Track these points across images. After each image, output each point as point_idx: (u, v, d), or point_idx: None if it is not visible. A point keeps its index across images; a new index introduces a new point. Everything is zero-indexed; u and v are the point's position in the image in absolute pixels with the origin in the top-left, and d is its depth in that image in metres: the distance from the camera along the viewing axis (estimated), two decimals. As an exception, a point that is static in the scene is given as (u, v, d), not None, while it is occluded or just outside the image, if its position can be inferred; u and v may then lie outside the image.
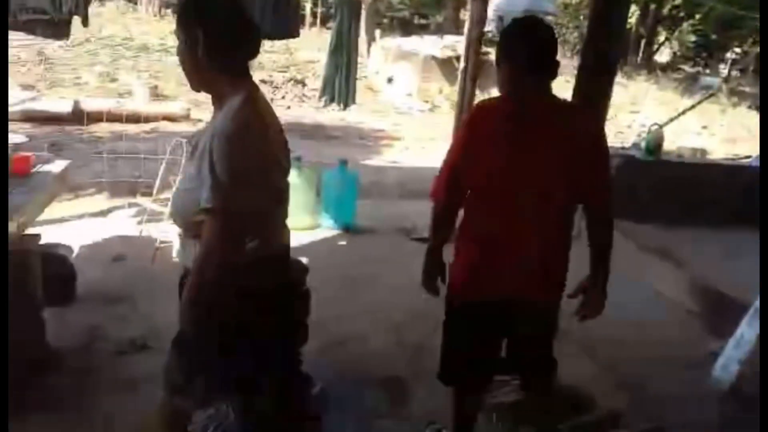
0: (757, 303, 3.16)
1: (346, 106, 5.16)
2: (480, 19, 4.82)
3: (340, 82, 4.95)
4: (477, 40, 4.86)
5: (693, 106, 11.07)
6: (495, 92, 2.09)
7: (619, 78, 8.97)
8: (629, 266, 4.78)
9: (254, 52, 1.77)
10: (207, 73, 1.71)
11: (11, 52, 10.95)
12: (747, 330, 3.16)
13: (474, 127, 2.09)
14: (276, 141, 1.79)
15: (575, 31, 22.02)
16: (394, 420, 2.77)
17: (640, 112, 13.28)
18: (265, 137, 1.70)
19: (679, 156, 6.19)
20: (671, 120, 7.47)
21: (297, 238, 4.72)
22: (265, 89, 11.04)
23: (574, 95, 3.27)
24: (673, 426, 2.65)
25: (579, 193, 1.98)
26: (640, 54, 25.26)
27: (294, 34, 4.49)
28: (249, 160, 1.62)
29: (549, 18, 15.72)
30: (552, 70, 1.93)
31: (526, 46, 1.92)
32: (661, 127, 5.91)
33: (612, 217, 2.06)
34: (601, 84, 3.19)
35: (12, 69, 10.37)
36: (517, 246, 2.00)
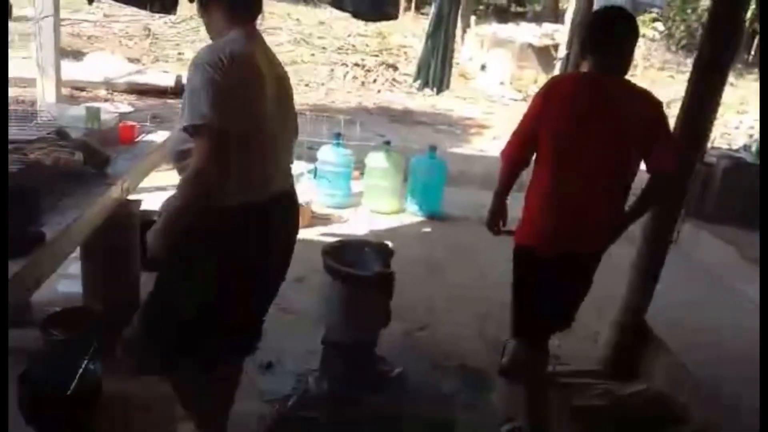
0: None
1: (439, 90, 5.08)
2: (587, 5, 4.61)
3: (436, 66, 4.87)
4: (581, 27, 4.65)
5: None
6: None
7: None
8: (730, 274, 4.49)
9: (253, 7, 1.93)
10: (214, 23, 1.90)
11: (120, 27, 11.57)
12: None
13: (549, 99, 2.28)
14: (259, 77, 1.81)
15: (681, 24, 20.77)
16: (472, 411, 2.71)
17: (748, 112, 12.38)
18: (240, 68, 1.74)
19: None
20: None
21: (382, 222, 4.85)
22: (357, 72, 11.20)
23: (686, 92, 3.06)
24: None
25: (636, 162, 2.22)
26: (752, 52, 23.51)
27: (393, 15, 4.45)
28: (216, 83, 1.67)
29: (654, 11, 14.89)
30: (626, 60, 2.22)
31: (606, 36, 2.20)
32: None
33: (669, 192, 2.45)
34: (713, 82, 2.97)
35: (120, 43, 10.95)
36: (580, 204, 2.21)
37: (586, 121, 2.15)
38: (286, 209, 2.01)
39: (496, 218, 2.58)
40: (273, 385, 2.72)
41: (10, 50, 2.55)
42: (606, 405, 2.67)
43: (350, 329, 2.65)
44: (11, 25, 2.43)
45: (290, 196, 2.04)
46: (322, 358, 2.74)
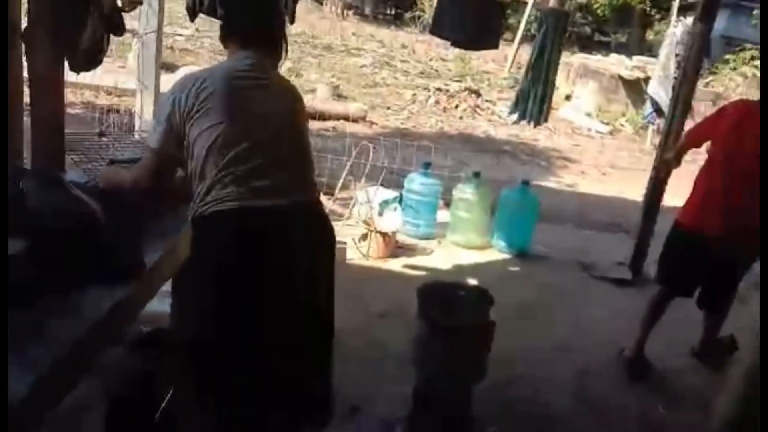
0: None
1: (537, 123, 4.85)
2: (702, 33, 4.31)
3: (535, 98, 4.65)
4: (697, 59, 4.35)
5: None
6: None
7: None
8: None
9: (246, 31, 2.01)
10: (222, 39, 2.07)
11: (210, 42, 11.88)
12: None
13: (722, 118, 3.14)
14: (235, 96, 1.87)
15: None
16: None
17: None
18: (210, 87, 1.82)
19: None
20: None
21: (467, 257, 4.65)
22: (439, 97, 11.08)
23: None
24: None
25: None
26: None
27: (495, 45, 4.29)
28: (172, 114, 1.82)
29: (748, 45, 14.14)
30: None
31: None
32: None
33: None
34: None
35: (210, 58, 11.25)
36: (736, 203, 2.95)
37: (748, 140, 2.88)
38: (293, 224, 1.87)
39: (674, 163, 3.46)
40: (358, 434, 2.55)
41: (107, 60, 2.58)
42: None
43: (446, 381, 2.47)
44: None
45: (298, 211, 1.90)
46: (413, 408, 2.56)
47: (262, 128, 1.89)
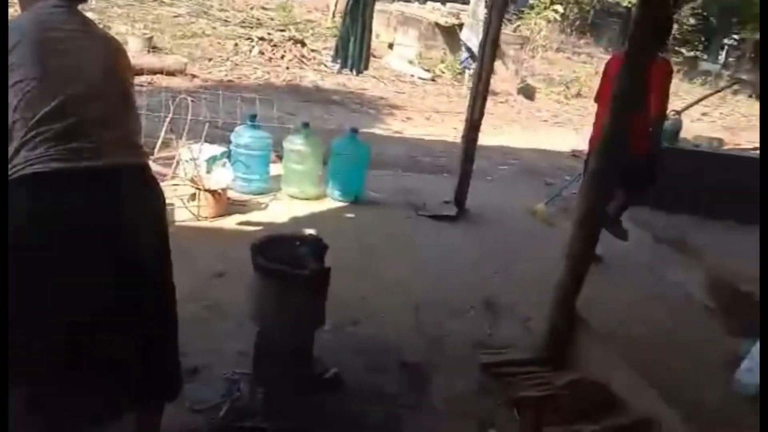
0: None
1: (358, 72, 4.90)
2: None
3: (354, 46, 4.68)
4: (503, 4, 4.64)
5: (714, 93, 10.97)
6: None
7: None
8: (644, 256, 4.69)
9: None
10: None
11: None
12: (776, 333, 3.05)
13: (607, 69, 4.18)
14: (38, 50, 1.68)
15: (575, 7, 21.60)
16: (413, 409, 2.62)
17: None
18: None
19: (696, 145, 6.05)
20: (689, 106, 7.31)
21: (303, 208, 4.65)
22: (263, 47, 10.74)
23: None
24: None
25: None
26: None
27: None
28: None
29: None
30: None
31: None
32: (678, 113, 5.76)
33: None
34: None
35: None
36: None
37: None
38: (112, 187, 1.73)
39: None
40: (200, 393, 2.49)
41: None
42: (547, 395, 2.67)
43: (285, 330, 2.48)
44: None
45: (118, 173, 1.75)
46: (254, 361, 2.55)
47: (77, 83, 1.71)
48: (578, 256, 2.95)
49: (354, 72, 4.96)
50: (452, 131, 7.11)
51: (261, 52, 10.74)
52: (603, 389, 2.73)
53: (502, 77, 11.99)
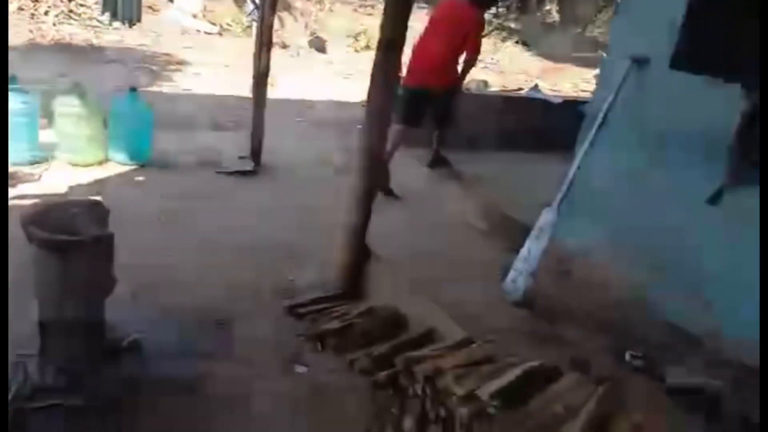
0: (542, 220, 3.58)
1: (131, 23, 4.61)
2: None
3: (124, -4, 4.38)
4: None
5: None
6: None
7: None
8: (423, 189, 5.13)
9: None
10: None
11: None
12: (532, 246, 3.58)
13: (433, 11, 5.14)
14: None
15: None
16: (223, 362, 2.67)
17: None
18: None
19: (466, 89, 6.63)
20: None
21: (84, 175, 4.33)
22: (24, 3, 9.50)
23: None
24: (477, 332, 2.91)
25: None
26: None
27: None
28: None
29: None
30: None
31: None
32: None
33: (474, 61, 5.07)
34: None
35: None
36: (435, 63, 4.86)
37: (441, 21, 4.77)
38: None
39: None
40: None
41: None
42: (345, 326, 2.88)
43: (69, 302, 2.37)
44: None
45: None
46: (41, 339, 2.40)
47: None
48: (363, 193, 3.17)
49: (126, 24, 4.65)
50: (245, 86, 6.99)
51: (20, 8, 9.50)
52: (394, 313, 3.01)
53: (292, 30, 11.94)
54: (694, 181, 3.29)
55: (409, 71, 4.88)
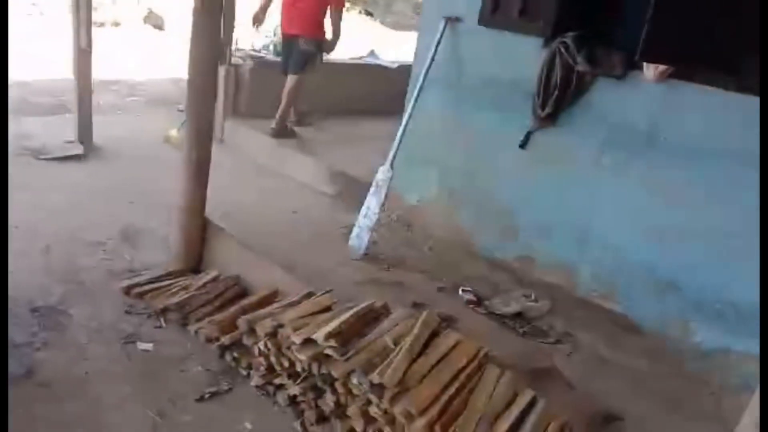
0: (378, 176, 3.76)
1: None
2: None
3: None
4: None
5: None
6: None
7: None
8: (269, 159, 5.15)
9: None
10: None
11: None
12: (371, 202, 3.75)
13: None
14: None
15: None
16: (51, 349, 2.58)
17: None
18: None
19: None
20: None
21: None
22: None
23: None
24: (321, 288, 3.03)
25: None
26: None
27: None
28: None
29: None
30: None
31: None
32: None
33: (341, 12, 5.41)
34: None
35: None
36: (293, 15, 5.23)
37: None
38: None
39: (259, 19, 5.49)
40: None
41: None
42: (187, 298, 2.88)
43: None
44: None
45: None
46: None
47: None
48: (197, 167, 3.14)
49: None
50: (66, 68, 6.52)
51: None
52: (237, 280, 3.06)
53: (125, 7, 11.23)
54: (508, 129, 3.61)
55: (282, 22, 5.36)
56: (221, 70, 5.25)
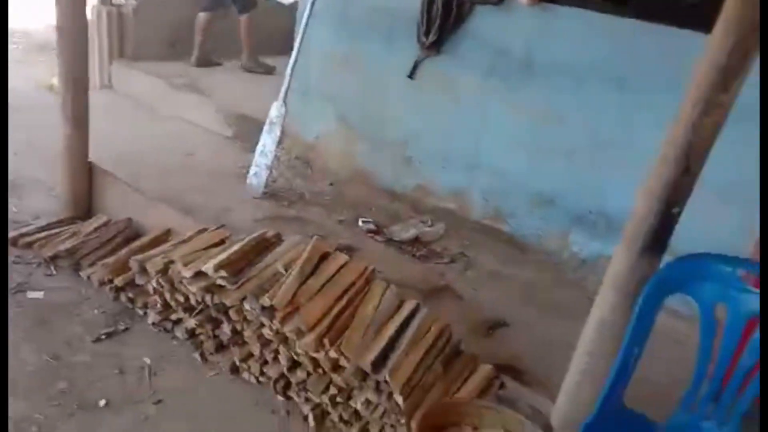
0: (272, 114, 3.74)
1: None
2: None
3: None
4: None
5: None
6: None
7: None
8: (163, 102, 5.00)
9: None
10: None
11: None
12: (266, 139, 3.74)
13: None
14: None
15: None
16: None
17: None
18: None
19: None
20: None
21: None
22: None
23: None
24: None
25: None
26: None
27: None
28: None
29: None
30: None
31: None
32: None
33: None
34: None
35: None
36: None
37: None
38: None
39: None
40: None
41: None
42: (78, 243, 2.82)
43: None
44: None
45: None
46: None
47: None
48: (73, 106, 3.03)
49: None
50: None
51: None
52: (128, 224, 3.01)
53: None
54: (397, 59, 3.66)
55: None
56: (102, 11, 4.97)
